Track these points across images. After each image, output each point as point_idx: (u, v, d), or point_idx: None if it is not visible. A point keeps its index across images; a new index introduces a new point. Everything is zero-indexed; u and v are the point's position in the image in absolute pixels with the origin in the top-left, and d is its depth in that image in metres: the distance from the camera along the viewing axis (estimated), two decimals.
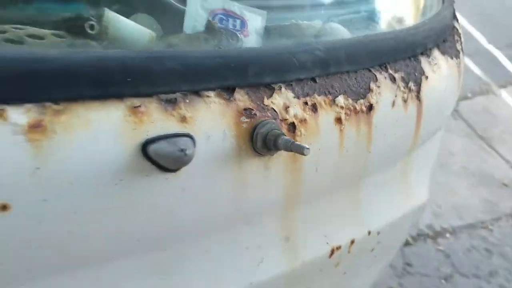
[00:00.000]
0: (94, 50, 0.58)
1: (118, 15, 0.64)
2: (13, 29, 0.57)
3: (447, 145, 3.00)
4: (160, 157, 0.58)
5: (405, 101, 0.96)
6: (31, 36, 0.58)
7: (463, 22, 4.46)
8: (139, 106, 0.58)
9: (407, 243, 2.27)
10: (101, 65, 0.54)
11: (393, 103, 0.93)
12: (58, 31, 0.61)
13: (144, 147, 0.58)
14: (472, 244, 2.42)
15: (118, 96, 0.56)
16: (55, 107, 0.52)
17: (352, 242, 0.95)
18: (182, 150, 0.58)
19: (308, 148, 0.65)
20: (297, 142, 0.66)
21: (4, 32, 0.57)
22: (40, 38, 0.58)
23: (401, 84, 0.95)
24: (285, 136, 0.68)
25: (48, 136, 0.50)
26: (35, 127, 0.50)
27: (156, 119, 0.60)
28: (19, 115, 0.49)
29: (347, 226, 0.95)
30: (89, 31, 0.61)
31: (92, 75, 0.54)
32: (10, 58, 0.49)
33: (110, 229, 0.60)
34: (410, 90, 0.98)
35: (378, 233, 1.03)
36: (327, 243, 0.90)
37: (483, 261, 2.31)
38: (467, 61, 3.98)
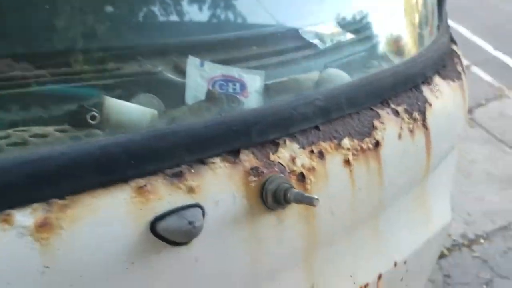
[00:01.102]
0: (95, 139, 0.56)
1: (117, 100, 0.62)
2: (17, 132, 0.55)
3: (469, 154, 2.84)
4: (169, 233, 0.55)
5: (411, 131, 0.90)
6: (35, 135, 0.56)
7: (467, 34, 4.31)
8: (144, 185, 0.55)
9: (442, 255, 2.13)
10: (103, 153, 0.52)
11: (400, 135, 0.88)
12: (61, 125, 0.59)
13: (153, 225, 0.55)
14: (508, 246, 2.26)
15: (123, 179, 0.54)
16: (61, 202, 0.49)
17: (380, 277, 0.88)
18: (190, 223, 0.55)
19: (317, 199, 0.61)
20: (306, 194, 0.62)
21: (7, 137, 0.55)
22: (44, 136, 0.56)
23: (405, 116, 0.90)
24: (293, 189, 0.63)
25: (55, 232, 0.48)
26: (42, 226, 0.47)
27: (164, 195, 0.57)
28: (25, 217, 0.47)
29: (371, 262, 0.88)
30: (91, 121, 0.59)
31: (95, 164, 0.51)
32: (11, 164, 0.47)
33: None
34: (415, 120, 0.92)
35: (405, 262, 0.95)
36: (354, 283, 0.83)
37: None
38: (477, 70, 3.83)
